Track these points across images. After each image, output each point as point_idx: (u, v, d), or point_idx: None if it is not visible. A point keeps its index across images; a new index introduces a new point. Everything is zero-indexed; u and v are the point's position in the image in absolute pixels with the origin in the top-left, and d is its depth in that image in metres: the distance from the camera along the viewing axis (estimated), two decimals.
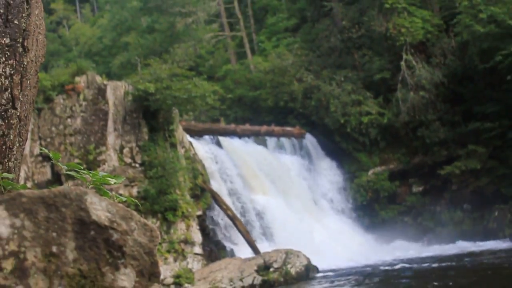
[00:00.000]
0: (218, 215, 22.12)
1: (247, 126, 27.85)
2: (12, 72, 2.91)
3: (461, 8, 25.59)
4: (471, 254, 19.93)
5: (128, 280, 2.08)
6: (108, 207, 2.14)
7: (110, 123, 20.24)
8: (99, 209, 2.11)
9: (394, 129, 28.17)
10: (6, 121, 2.88)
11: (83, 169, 2.85)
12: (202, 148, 23.92)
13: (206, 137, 25.25)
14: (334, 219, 26.37)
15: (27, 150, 18.57)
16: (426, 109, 27.22)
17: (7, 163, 2.91)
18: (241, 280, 17.62)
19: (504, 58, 23.60)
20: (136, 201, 2.74)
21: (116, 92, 20.81)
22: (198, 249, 20.05)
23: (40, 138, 19.63)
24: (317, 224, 24.71)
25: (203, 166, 22.87)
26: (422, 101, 27.16)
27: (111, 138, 20.16)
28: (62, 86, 20.46)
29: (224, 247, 21.57)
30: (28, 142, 19.60)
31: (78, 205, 2.09)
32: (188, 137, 23.39)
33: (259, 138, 27.70)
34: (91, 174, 2.78)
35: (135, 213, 2.20)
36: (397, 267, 18.74)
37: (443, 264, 17.90)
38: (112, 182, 2.81)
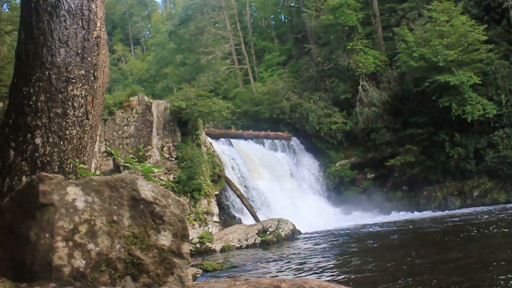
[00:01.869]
0: (230, 194, 22.11)
1: (250, 132, 27.82)
2: (86, 94, 2.92)
3: (400, 49, 25.56)
4: (407, 221, 19.92)
5: (166, 239, 2.09)
6: (152, 188, 2.15)
7: (154, 130, 20.23)
8: (146, 189, 2.12)
9: (354, 134, 28.14)
10: (82, 128, 2.90)
11: (135, 162, 2.86)
12: (219, 147, 23.89)
13: (222, 139, 25.24)
14: (312, 197, 26.29)
15: (96, 149, 18.59)
16: (376, 119, 27.17)
17: (82, 158, 2.93)
18: (246, 240, 17.59)
19: (430, 84, 23.58)
20: (172, 184, 2.75)
21: (159, 107, 20.79)
22: (216, 218, 20.02)
23: (105, 140, 19.63)
24: (300, 201, 24.66)
25: (220, 159, 22.84)
26: (374, 114, 27.11)
27: (155, 140, 20.14)
28: (121, 103, 20.46)
29: (234, 217, 21.54)
30: (97, 143, 19.57)
31: (132, 187, 2.10)
32: (209, 139, 23.38)
33: (259, 140, 27.69)
34: (141, 165, 2.79)
35: (171, 192, 2.21)
36: (355, 230, 18.72)
37: (388, 228, 17.89)
38: (156, 171, 2.82)
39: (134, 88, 22.54)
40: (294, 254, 13.94)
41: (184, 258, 2.11)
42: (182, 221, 2.15)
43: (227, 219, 21.19)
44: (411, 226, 17.72)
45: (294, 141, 29.09)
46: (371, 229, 18.25)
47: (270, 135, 28.13)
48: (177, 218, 2.16)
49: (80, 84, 2.91)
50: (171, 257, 2.06)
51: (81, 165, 2.83)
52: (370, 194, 26.82)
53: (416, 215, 22.62)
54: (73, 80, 2.86)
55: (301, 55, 34.41)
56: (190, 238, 17.08)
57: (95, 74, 3.04)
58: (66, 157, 2.80)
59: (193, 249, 17.15)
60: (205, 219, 19.47)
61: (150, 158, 19.45)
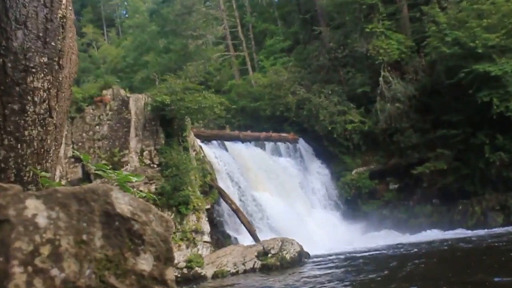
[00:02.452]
0: (223, 208, 22.10)
1: (248, 133, 27.85)
2: (49, 86, 2.91)
3: (430, 32, 25.59)
4: (438, 241, 19.92)
5: (147, 263, 2.08)
6: (130, 202, 2.14)
7: (132, 130, 20.23)
8: (123, 203, 2.11)
9: (373, 135, 28.15)
10: (44, 128, 2.88)
11: (109, 169, 2.85)
12: (210, 151, 23.90)
13: (214, 141, 25.24)
14: (323, 212, 26.35)
15: (61, 153, 18.56)
16: (401, 118, 27.19)
17: (45, 164, 2.91)
18: (243, 264, 17.58)
19: (467, 75, 23.58)
20: (154, 196, 2.73)
21: (138, 103, 20.80)
22: (206, 238, 20.00)
23: (73, 142, 19.62)
24: (308, 216, 24.68)
25: (211, 166, 22.85)
26: (397, 111, 27.13)
27: (133, 143, 20.14)
28: (92, 98, 20.46)
29: (229, 236, 21.53)
30: (62, 146, 19.54)
31: (105, 200, 2.09)
32: (199, 142, 23.38)
33: (259, 142, 27.70)
34: (116, 173, 2.78)
35: (153, 206, 2.20)
36: (376, 252, 18.71)
37: (415, 250, 17.88)
38: (134, 180, 2.81)
39: (108, 79, 22.59)
40: (301, 282, 13.92)
41: (168, 285, 2.10)
42: (166, 241, 2.14)
43: (220, 238, 21.17)
44: (443, 248, 17.72)
45: (301, 144, 29.12)
46: (394, 252, 18.25)
47: (272, 136, 28.16)
48: (159, 238, 2.15)
49: (42, 75, 2.89)
50: (152, 285, 2.05)
51: (43, 173, 2.81)
52: (393, 208, 26.83)
53: (449, 234, 22.59)
54: (33, 70, 2.84)
55: (310, 39, 34.48)
56: (176, 261, 17.07)
57: (60, 62, 3.03)
58: (24, 163, 2.78)
59: (179, 275, 17.13)
60: (194, 238, 19.44)
61: (127, 165, 19.43)
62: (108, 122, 20.16)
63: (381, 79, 27.71)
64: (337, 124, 28.00)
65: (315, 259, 18.47)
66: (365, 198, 27.44)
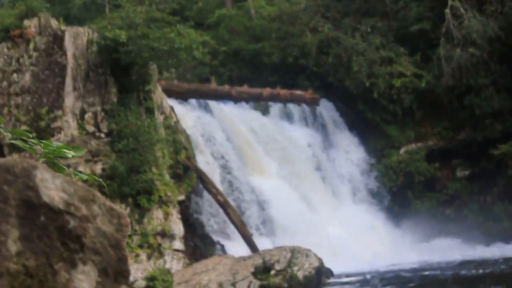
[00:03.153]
0: (205, 201, 22.18)
1: (245, 88, 27.80)
2: None
3: None
4: None
5: (87, 280, 2.07)
6: (63, 186, 2.12)
7: (68, 81, 20.19)
8: (52, 188, 2.09)
9: (434, 96, 28.13)
10: None
11: (33, 138, 2.84)
12: (187, 114, 23.91)
13: (192, 101, 25.22)
14: (354, 210, 26.42)
15: None
16: (477, 70, 27.13)
17: None
18: (233, 285, 17.71)
19: None
20: (100, 180, 2.73)
21: (77, 40, 20.73)
22: (178, 244, 20.11)
23: None
24: (332, 216, 24.79)
25: (188, 138, 22.87)
26: (472, 60, 27.06)
27: (70, 100, 20.12)
28: (7, 31, 20.38)
29: (212, 242, 21.65)
30: None
31: (25, 183, 2.07)
32: (169, 101, 23.35)
33: (260, 103, 27.68)
34: (42, 145, 2.77)
35: (98, 194, 2.19)
36: (432, 272, 18.84)
37: (491, 269, 18.01)
38: (70, 156, 2.80)
39: (32, 3, 22.41)
40: None
41: None
42: (118, 247, 2.14)
43: (198, 246, 21.30)
44: None
45: (324, 108, 29.14)
46: (462, 272, 18.37)
47: (280, 95, 28.14)
48: (108, 241, 2.14)
49: None
50: None
51: None
52: (461, 207, 26.93)
53: None
54: None
55: None
56: (132, 279, 17.19)
57: None
58: None
59: None
60: (160, 245, 19.56)
61: (60, 133, 19.45)
62: (31, 68, 20.12)
63: (447, 11, 27.59)
64: (379, 78, 27.97)
65: (340, 280, 18.62)
66: (418, 190, 27.54)
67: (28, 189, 2.07)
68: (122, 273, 2.15)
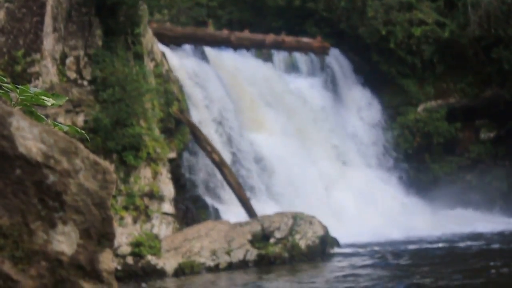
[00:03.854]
0: (199, 159, 22.21)
1: (245, 34, 27.73)
2: None
3: None
4: None
5: (67, 242, 2.06)
6: (42, 136, 2.11)
7: (47, 20, 20.11)
8: (30, 138, 2.08)
9: (458, 47, 28.06)
10: None
11: (8, 83, 2.83)
12: (180, 62, 23.86)
13: (187, 46, 25.17)
14: (365, 173, 26.47)
15: None
16: (507, 19, 27.03)
17: None
18: (227, 253, 17.78)
19: None
20: (83, 132, 2.72)
21: None
22: (168, 207, 20.16)
23: None
24: (340, 179, 24.86)
25: (180, 88, 22.84)
26: (502, 7, 26.95)
27: (49, 42, 20.06)
28: None
29: (205, 206, 21.71)
30: None
31: None
32: (161, 46, 23.29)
33: (263, 51, 27.63)
34: (18, 90, 2.75)
35: (81, 146, 2.17)
36: (451, 244, 18.92)
37: None
38: (49, 104, 2.78)
39: None
40: None
41: (103, 281, 2.10)
42: (102, 206, 2.13)
43: (190, 209, 21.38)
44: None
45: (334, 57, 29.08)
46: (487, 247, 18.44)
47: (285, 42, 28.08)
48: (91, 200, 2.14)
49: None
50: (75, 278, 2.04)
51: None
52: (485, 173, 27.00)
53: None
54: None
55: None
56: (117, 244, 17.25)
57: None
58: None
59: (119, 267, 17.35)
60: (147, 207, 19.63)
61: (37, 79, 19.42)
62: (6, 5, 20.03)
63: None
64: (396, 25, 27.88)
65: (347, 250, 18.72)
66: (437, 153, 27.60)
67: (2, 138, 2.06)
68: (106, 235, 2.14)
